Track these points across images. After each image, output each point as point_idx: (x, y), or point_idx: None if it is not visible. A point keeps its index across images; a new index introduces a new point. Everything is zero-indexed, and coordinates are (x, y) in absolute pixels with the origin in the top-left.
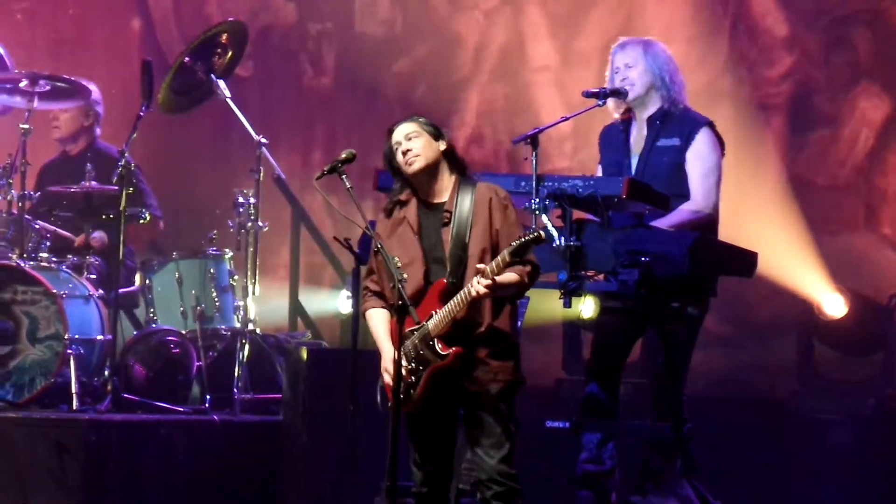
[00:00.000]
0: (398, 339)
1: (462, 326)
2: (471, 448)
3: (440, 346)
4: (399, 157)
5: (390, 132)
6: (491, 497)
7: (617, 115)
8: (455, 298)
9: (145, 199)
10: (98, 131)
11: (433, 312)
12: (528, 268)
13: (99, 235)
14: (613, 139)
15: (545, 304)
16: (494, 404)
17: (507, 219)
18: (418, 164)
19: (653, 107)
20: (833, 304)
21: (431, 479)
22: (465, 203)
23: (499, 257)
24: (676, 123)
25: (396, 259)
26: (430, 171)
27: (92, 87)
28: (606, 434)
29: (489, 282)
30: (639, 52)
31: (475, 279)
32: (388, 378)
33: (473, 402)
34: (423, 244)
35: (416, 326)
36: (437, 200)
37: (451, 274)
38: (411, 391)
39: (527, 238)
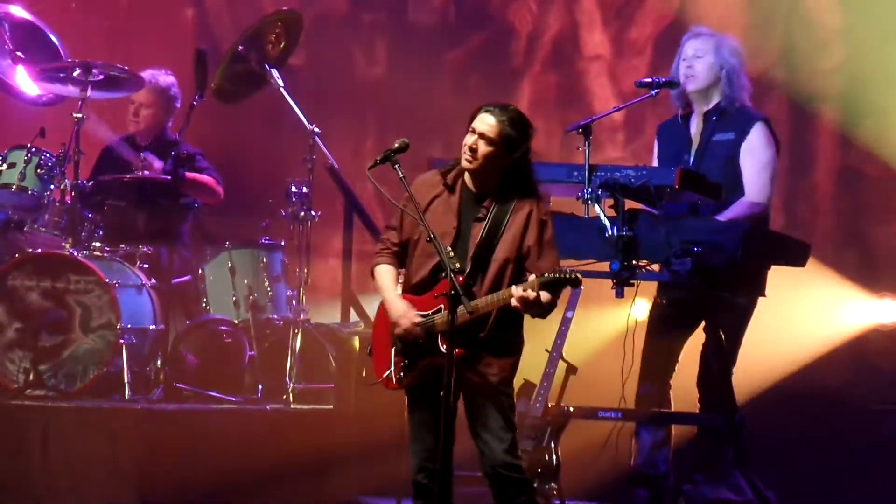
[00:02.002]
0: (452, 330)
1: (467, 327)
2: (473, 438)
3: (443, 343)
4: (464, 143)
5: (482, 108)
6: (499, 491)
7: (679, 111)
8: (483, 300)
9: (210, 172)
10: (170, 123)
11: (441, 307)
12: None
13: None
14: (673, 133)
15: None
16: (496, 394)
17: (542, 236)
18: (471, 167)
19: (713, 101)
20: (888, 311)
21: (429, 467)
22: (505, 207)
23: (532, 280)
24: (732, 118)
25: (449, 249)
26: (483, 173)
27: (171, 77)
28: (661, 439)
29: (535, 294)
30: (711, 44)
31: (514, 287)
32: (404, 324)
33: (474, 389)
34: (459, 233)
35: (424, 314)
36: (480, 193)
37: (469, 274)
38: (402, 374)
39: (563, 277)
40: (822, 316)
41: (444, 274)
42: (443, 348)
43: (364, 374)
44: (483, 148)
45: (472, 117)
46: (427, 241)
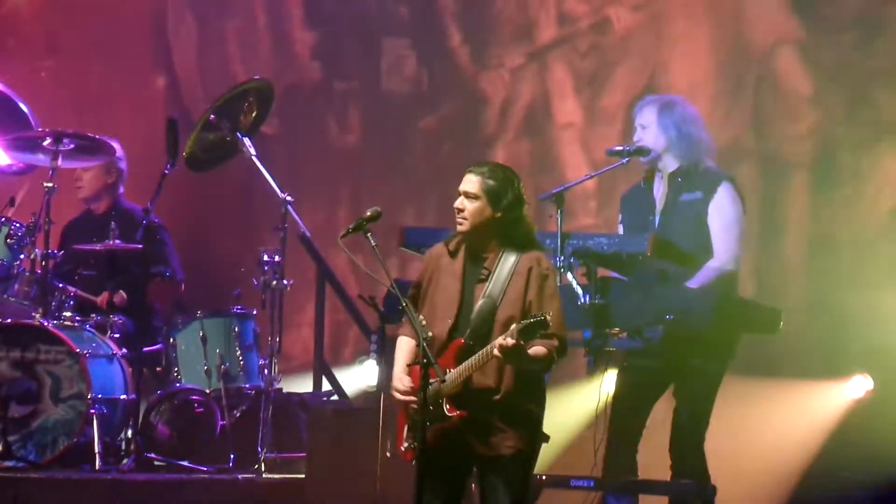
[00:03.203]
0: (423, 394)
1: (477, 390)
2: None
3: (447, 406)
4: (455, 207)
5: (466, 170)
6: None
7: (644, 173)
8: (470, 360)
9: (169, 260)
10: (121, 189)
11: (447, 370)
12: (556, 342)
13: (119, 296)
14: (637, 199)
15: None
16: (507, 469)
17: (543, 291)
18: (463, 228)
19: (672, 165)
20: (859, 387)
21: None
22: (506, 266)
23: (513, 328)
24: (698, 179)
25: (422, 318)
26: (478, 233)
27: (115, 144)
28: None
29: (514, 342)
30: (654, 112)
31: (500, 337)
32: (397, 395)
33: (486, 465)
34: (463, 297)
35: (432, 381)
36: (481, 255)
37: (472, 335)
38: (413, 444)
39: (534, 320)
40: (795, 410)
41: (455, 335)
42: (446, 409)
43: (388, 447)
44: (469, 206)
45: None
46: (399, 308)
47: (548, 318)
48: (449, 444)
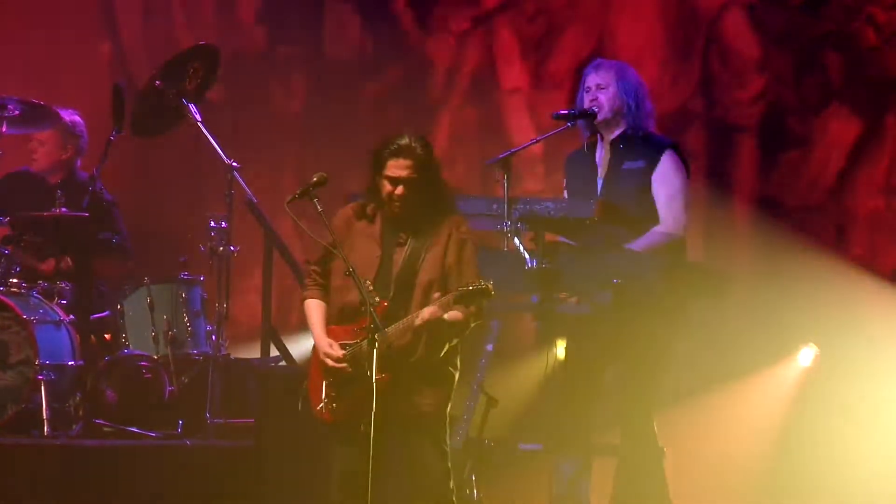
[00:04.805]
0: (372, 366)
1: (397, 352)
2: (407, 471)
3: (370, 370)
4: (385, 191)
5: (389, 153)
6: None
7: (585, 136)
8: (396, 325)
9: (121, 231)
10: (79, 162)
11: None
12: (472, 308)
13: (65, 262)
14: (579, 164)
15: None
16: (431, 427)
17: (462, 255)
18: (402, 211)
19: (617, 130)
20: (805, 358)
21: None
22: (426, 228)
23: (446, 296)
24: (641, 146)
25: (368, 282)
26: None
27: (75, 117)
28: (581, 468)
29: (438, 311)
30: (612, 74)
31: (425, 309)
32: (329, 362)
33: (408, 424)
34: (382, 260)
35: (351, 343)
36: (400, 219)
37: (394, 299)
38: (333, 405)
39: (474, 288)
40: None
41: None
42: (368, 374)
43: (300, 407)
44: (408, 189)
45: (379, 165)
46: (346, 275)
47: (490, 287)
48: (367, 406)
